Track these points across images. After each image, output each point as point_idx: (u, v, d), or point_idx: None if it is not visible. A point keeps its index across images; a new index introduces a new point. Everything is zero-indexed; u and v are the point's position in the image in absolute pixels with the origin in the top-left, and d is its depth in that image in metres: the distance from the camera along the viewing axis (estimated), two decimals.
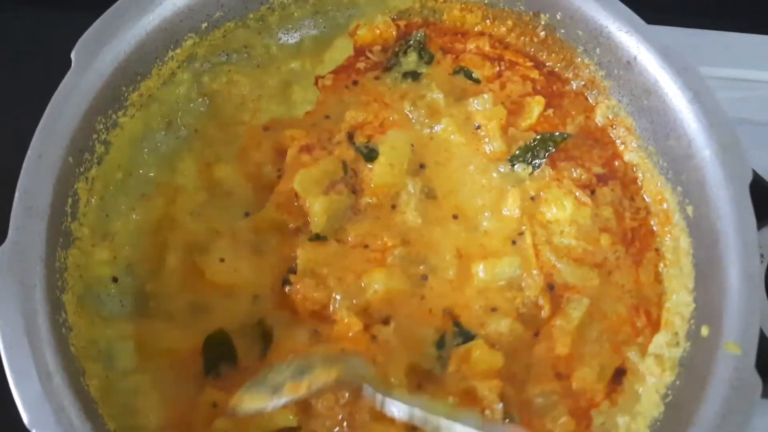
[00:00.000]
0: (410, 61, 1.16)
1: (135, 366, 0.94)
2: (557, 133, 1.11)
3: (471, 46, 1.18)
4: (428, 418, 0.85)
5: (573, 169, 1.08)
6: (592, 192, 1.08)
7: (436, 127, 1.10)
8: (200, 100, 1.11)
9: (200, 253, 1.00)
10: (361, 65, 1.16)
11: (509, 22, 1.17)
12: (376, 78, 1.15)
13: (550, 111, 1.13)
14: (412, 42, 1.17)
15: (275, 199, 1.03)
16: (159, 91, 1.09)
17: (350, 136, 1.09)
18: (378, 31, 1.18)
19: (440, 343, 0.97)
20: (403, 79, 1.15)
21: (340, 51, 1.16)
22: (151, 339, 0.96)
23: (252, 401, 0.86)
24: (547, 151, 1.09)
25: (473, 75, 1.16)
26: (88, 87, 0.98)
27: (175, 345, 0.95)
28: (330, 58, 1.15)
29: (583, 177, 1.08)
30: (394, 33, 1.18)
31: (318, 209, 1.02)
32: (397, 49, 1.17)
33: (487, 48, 1.18)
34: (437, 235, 1.03)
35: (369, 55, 1.17)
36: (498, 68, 1.17)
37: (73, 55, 0.98)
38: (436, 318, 0.99)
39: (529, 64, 1.17)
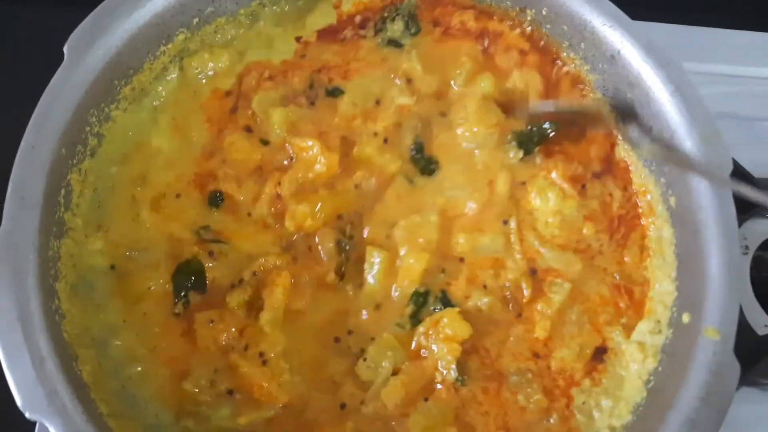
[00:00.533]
0: (396, 29, 1.17)
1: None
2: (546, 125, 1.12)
3: (455, 21, 1.19)
4: None
5: (566, 163, 1.10)
6: (583, 186, 1.09)
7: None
8: (176, 74, 1.13)
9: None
10: (348, 32, 1.18)
11: (496, 18, 1.18)
12: (361, 37, 1.17)
13: None
14: (401, 10, 1.18)
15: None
16: (151, 85, 1.10)
17: (318, 71, 1.13)
18: (363, 5, 1.19)
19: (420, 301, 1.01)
20: (386, 45, 1.16)
21: (323, 17, 1.17)
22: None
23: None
24: (538, 141, 1.11)
25: None
26: (80, 81, 1.00)
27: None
28: (312, 22, 1.17)
29: (578, 171, 1.10)
30: (380, 4, 1.19)
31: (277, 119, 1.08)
32: (385, 14, 1.18)
33: (471, 22, 1.19)
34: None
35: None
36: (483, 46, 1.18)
37: (65, 50, 1.00)
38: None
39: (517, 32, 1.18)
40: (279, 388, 0.95)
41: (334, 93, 1.12)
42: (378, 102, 1.11)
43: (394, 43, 1.17)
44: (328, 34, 1.17)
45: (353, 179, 1.07)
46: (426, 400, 0.96)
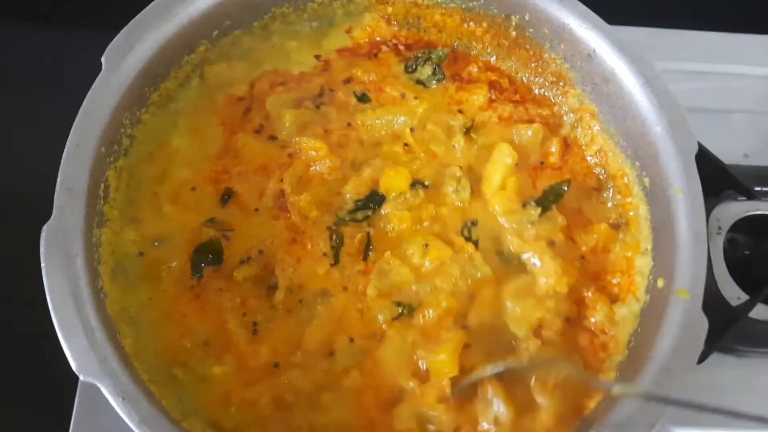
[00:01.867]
0: (424, 72, 1.29)
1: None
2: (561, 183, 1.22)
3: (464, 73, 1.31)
4: None
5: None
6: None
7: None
8: (196, 81, 1.24)
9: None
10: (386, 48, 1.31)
11: (484, 24, 1.29)
12: (398, 62, 1.30)
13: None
14: (433, 56, 1.30)
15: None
16: (175, 92, 1.22)
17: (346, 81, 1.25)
18: (369, 29, 1.31)
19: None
20: (415, 83, 1.28)
21: (338, 40, 1.29)
22: None
23: None
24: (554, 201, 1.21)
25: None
26: (116, 87, 1.10)
27: None
28: (328, 44, 1.29)
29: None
30: (385, 30, 1.32)
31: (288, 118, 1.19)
32: (419, 54, 1.31)
33: (476, 71, 1.31)
34: None
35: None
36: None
37: (103, 59, 1.10)
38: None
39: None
40: (257, 355, 1.05)
41: (363, 99, 1.24)
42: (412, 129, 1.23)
43: (422, 84, 1.29)
44: (355, 51, 1.30)
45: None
46: None
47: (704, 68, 1.51)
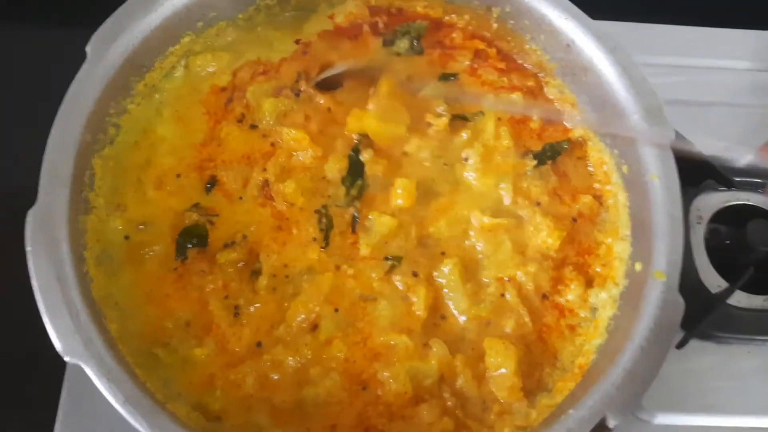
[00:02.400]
0: (402, 46, 1.30)
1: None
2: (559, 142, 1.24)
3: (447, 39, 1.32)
4: None
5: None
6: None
7: None
8: (181, 72, 1.25)
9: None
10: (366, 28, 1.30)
11: (466, 16, 1.31)
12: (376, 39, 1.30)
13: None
14: (410, 30, 1.30)
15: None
16: (160, 82, 1.23)
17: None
18: (352, 16, 1.32)
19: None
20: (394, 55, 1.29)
21: (319, 24, 1.31)
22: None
23: None
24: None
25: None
26: (101, 76, 1.11)
27: None
28: (308, 28, 1.31)
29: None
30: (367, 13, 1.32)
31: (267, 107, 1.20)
32: (397, 28, 1.30)
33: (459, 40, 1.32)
34: None
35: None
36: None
37: (87, 49, 1.12)
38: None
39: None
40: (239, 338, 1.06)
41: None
42: None
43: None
44: (335, 34, 1.30)
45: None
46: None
47: (684, 62, 1.53)
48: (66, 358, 0.93)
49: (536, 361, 1.09)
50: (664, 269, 1.04)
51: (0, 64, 1.50)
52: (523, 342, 1.09)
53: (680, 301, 1.02)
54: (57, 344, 0.94)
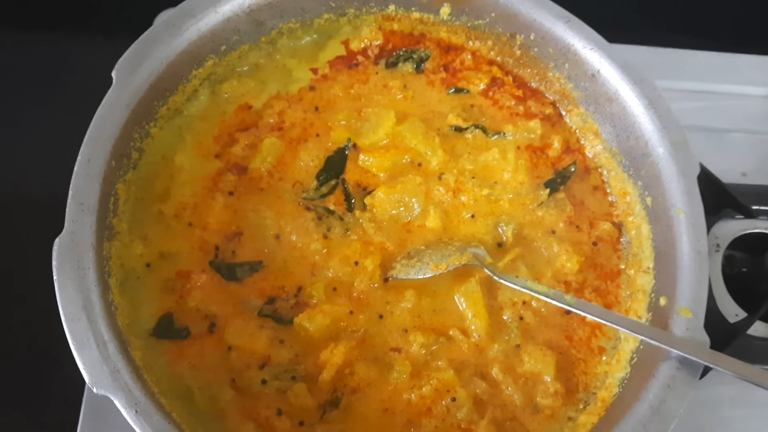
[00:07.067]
0: (405, 69, 1.31)
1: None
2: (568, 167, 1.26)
3: (457, 61, 1.33)
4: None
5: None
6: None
7: None
8: (204, 96, 1.26)
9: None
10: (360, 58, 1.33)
11: (489, 42, 1.32)
12: (375, 64, 1.32)
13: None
14: (415, 56, 1.31)
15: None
16: (183, 106, 1.23)
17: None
18: (367, 41, 1.32)
19: None
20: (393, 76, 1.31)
21: (333, 52, 1.32)
22: None
23: (403, 271, 1.13)
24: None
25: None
26: (126, 101, 1.12)
27: None
28: (323, 57, 1.31)
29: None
30: (382, 40, 1.33)
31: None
32: (400, 53, 1.32)
33: (469, 62, 1.33)
34: None
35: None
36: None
37: (113, 74, 1.12)
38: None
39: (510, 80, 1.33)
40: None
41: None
42: None
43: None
44: (340, 62, 1.32)
45: None
46: None
47: (703, 87, 1.54)
48: (95, 390, 0.93)
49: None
50: (690, 306, 1.04)
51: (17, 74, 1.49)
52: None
53: (705, 339, 1.02)
54: (86, 376, 0.94)
